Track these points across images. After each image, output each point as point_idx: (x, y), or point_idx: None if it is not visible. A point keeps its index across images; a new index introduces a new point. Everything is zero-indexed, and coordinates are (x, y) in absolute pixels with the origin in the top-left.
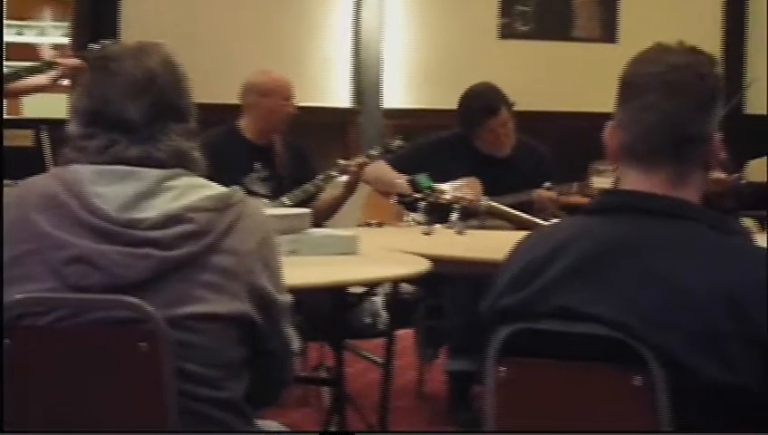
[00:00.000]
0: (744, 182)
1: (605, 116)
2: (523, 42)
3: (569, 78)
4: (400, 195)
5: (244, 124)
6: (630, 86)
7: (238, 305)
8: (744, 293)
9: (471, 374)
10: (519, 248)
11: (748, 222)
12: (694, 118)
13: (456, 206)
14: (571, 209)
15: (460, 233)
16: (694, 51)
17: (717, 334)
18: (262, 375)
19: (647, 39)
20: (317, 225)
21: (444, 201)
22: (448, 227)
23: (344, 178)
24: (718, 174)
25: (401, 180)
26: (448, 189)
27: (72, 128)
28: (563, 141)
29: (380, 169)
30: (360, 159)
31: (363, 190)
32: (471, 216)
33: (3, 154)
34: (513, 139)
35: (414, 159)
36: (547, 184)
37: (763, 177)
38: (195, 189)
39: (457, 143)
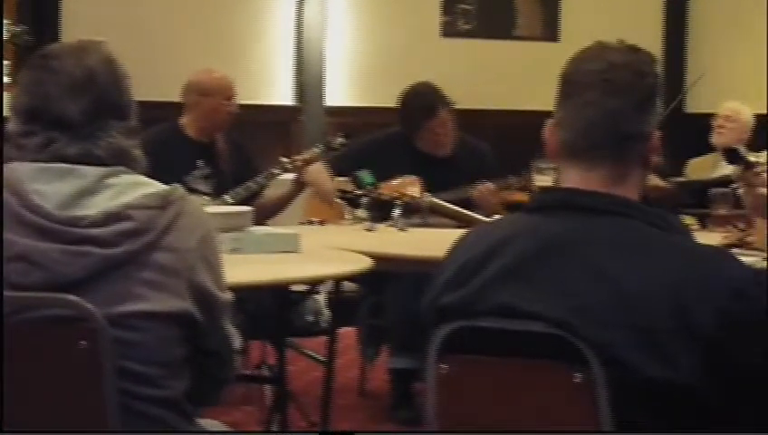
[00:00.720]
0: (683, 180)
1: (547, 114)
2: (466, 40)
3: (511, 76)
4: (343, 191)
5: (186, 122)
6: (570, 84)
7: (179, 303)
8: (684, 290)
9: (413, 372)
10: (458, 246)
11: (688, 220)
12: (633, 116)
13: (398, 202)
14: (512, 207)
15: (402, 230)
16: (633, 49)
17: (658, 331)
18: (203, 373)
19: (588, 38)
20: (261, 223)
21: (386, 198)
22: (391, 225)
23: (286, 175)
24: (655, 180)
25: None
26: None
27: (11, 126)
28: (506, 139)
29: (317, 172)
30: (305, 156)
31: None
32: (413, 212)
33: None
34: (453, 138)
35: (355, 159)
36: (486, 181)
37: (704, 175)
38: (135, 187)
39: (398, 142)
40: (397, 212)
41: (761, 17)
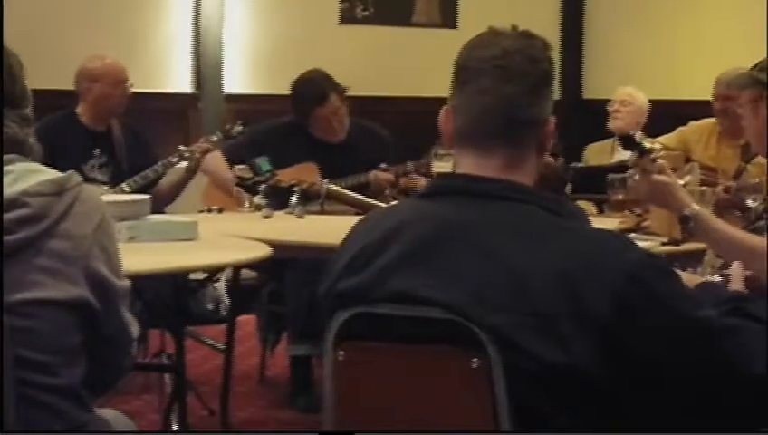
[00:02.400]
0: (581, 166)
1: (446, 101)
2: (364, 27)
3: (410, 63)
4: (241, 178)
5: (82, 110)
6: (465, 71)
7: (75, 290)
8: (580, 274)
9: (313, 359)
10: (355, 232)
11: (585, 205)
12: (527, 102)
13: (295, 189)
14: (410, 193)
15: (300, 217)
16: (527, 35)
17: (554, 316)
18: (100, 361)
19: (487, 25)
20: (157, 211)
21: (284, 185)
22: (289, 212)
23: (185, 163)
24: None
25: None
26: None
27: None
28: (405, 126)
29: (214, 161)
30: (202, 145)
31: (203, 177)
32: (311, 199)
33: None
34: (346, 124)
35: (250, 147)
36: (383, 165)
37: (602, 160)
38: (30, 174)
39: (293, 129)
40: (294, 199)
41: (656, 3)
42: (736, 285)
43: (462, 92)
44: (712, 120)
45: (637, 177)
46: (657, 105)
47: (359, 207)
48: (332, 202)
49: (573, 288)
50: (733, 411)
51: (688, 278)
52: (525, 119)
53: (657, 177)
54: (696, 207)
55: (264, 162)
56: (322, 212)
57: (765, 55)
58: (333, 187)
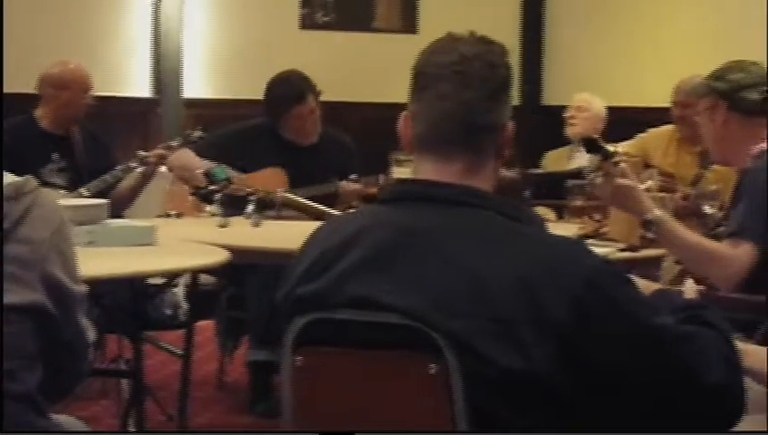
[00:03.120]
0: (539, 172)
1: (405, 106)
2: (324, 32)
3: (370, 69)
4: (196, 187)
5: (41, 114)
6: (423, 76)
7: (33, 295)
8: (538, 280)
9: (272, 364)
10: (315, 237)
11: (544, 211)
12: (485, 107)
13: (251, 198)
14: (370, 198)
15: (256, 225)
16: (485, 40)
17: (512, 322)
18: (57, 367)
19: (447, 30)
20: (116, 215)
21: (240, 193)
22: (246, 219)
23: (143, 168)
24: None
25: (201, 171)
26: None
27: None
28: (365, 131)
29: (185, 156)
30: (158, 151)
31: (162, 181)
32: (267, 207)
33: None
34: (319, 127)
35: (219, 148)
36: (353, 176)
37: (560, 166)
38: None
39: (262, 132)
40: (250, 208)
41: (616, 10)
42: (691, 293)
43: (421, 98)
44: (671, 126)
45: (599, 180)
46: (617, 112)
47: (316, 216)
48: (289, 210)
49: (532, 294)
50: (689, 417)
51: (645, 286)
52: (484, 124)
53: (620, 180)
54: (658, 211)
55: (219, 171)
56: (279, 218)
57: (724, 61)
58: (289, 196)
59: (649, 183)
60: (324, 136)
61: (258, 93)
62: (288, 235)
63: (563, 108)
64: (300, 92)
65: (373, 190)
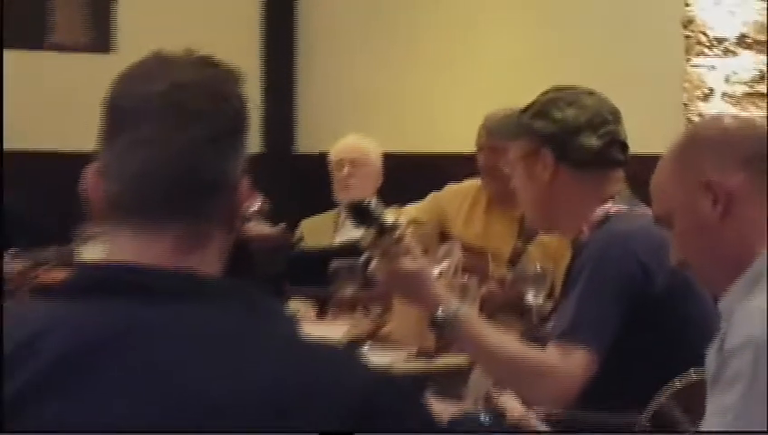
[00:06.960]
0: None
1: (88, 157)
2: None
3: (43, 100)
4: None
5: None
6: (118, 114)
7: None
8: (285, 393)
9: None
10: None
11: (299, 305)
12: (209, 156)
13: None
14: (47, 290)
15: None
16: (208, 62)
17: None
18: None
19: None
20: None
21: None
22: None
23: None
24: (259, 226)
25: None
26: None
27: None
28: (38, 188)
29: None
30: None
31: None
32: None
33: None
34: None
35: None
36: (12, 250)
37: (323, 239)
38: None
39: None
40: None
41: (389, 28)
42: (516, 412)
43: (114, 146)
44: (477, 181)
45: (374, 263)
46: (396, 160)
47: None
48: None
49: (281, 408)
50: None
51: (443, 410)
52: (206, 180)
53: (402, 262)
54: (454, 304)
55: None
56: None
57: (542, 88)
58: None
59: (445, 264)
60: None
61: None
62: None
63: (324, 156)
64: None
65: (50, 277)
